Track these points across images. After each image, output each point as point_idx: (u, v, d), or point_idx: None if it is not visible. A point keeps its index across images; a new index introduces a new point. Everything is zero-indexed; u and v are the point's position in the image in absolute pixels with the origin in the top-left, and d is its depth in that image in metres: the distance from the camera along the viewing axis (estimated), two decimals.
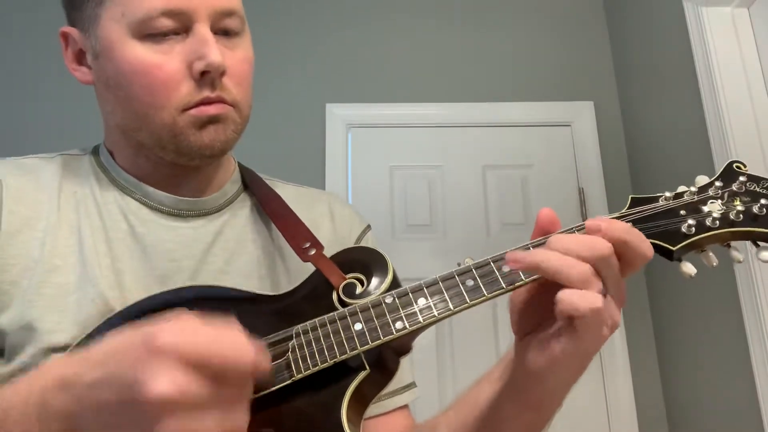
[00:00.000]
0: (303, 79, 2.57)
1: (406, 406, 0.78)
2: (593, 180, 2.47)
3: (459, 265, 0.59)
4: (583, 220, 0.57)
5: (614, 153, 2.51)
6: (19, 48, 2.55)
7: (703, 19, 1.87)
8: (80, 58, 0.71)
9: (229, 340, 0.43)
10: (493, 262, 0.56)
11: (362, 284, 0.61)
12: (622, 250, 0.52)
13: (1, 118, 2.44)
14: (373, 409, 0.74)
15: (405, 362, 0.77)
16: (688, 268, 0.56)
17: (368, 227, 0.84)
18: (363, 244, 0.81)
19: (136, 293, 0.65)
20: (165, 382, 0.40)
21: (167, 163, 0.70)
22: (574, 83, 2.59)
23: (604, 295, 0.51)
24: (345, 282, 0.61)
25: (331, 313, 0.57)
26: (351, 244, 0.80)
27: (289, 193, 0.81)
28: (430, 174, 2.50)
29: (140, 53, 0.64)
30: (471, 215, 2.44)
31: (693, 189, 0.59)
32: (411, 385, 0.79)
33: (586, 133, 2.53)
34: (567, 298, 0.50)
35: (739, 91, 1.80)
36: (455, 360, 2.27)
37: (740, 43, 1.84)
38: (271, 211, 0.76)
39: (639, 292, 2.35)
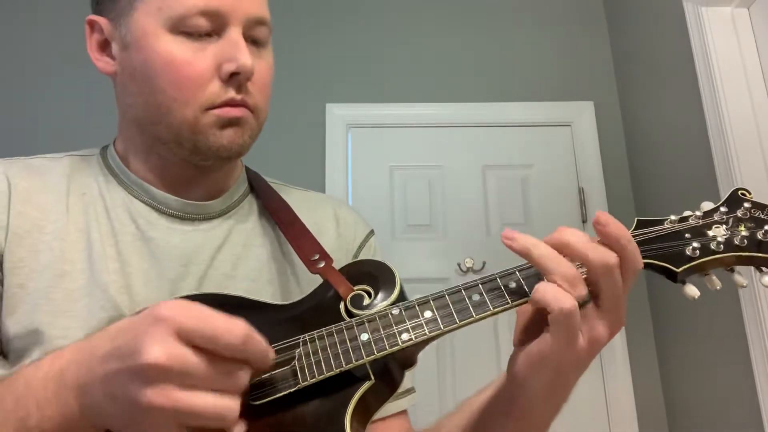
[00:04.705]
0: (303, 79, 2.57)
1: (404, 411, 0.78)
2: (593, 180, 2.47)
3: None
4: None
5: (614, 153, 2.51)
6: (24, 47, 2.55)
7: (703, 19, 1.87)
8: (104, 47, 0.71)
9: (224, 319, 0.45)
10: (500, 278, 0.57)
11: (369, 296, 0.61)
12: (621, 257, 0.53)
13: (6, 117, 2.44)
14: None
15: None
16: (692, 290, 0.57)
17: (372, 232, 0.85)
18: (366, 249, 0.82)
19: (146, 297, 0.66)
20: (158, 348, 0.43)
21: (178, 162, 0.70)
22: (574, 83, 2.59)
23: (583, 305, 0.52)
24: (353, 293, 0.62)
25: (339, 323, 0.58)
26: (355, 249, 0.81)
27: (294, 197, 0.81)
28: (430, 174, 2.50)
29: (173, 48, 0.64)
30: (471, 215, 2.44)
31: (698, 213, 0.60)
32: (410, 390, 0.79)
33: (586, 133, 2.53)
34: (542, 288, 0.52)
35: (739, 91, 1.80)
36: (455, 364, 2.26)
37: (740, 43, 1.84)
38: (279, 218, 0.76)
39: (639, 292, 2.35)
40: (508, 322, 2.26)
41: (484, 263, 2.31)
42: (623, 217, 0.61)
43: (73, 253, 0.66)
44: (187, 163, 0.70)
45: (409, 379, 0.79)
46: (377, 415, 0.74)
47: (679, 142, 2.07)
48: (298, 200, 0.81)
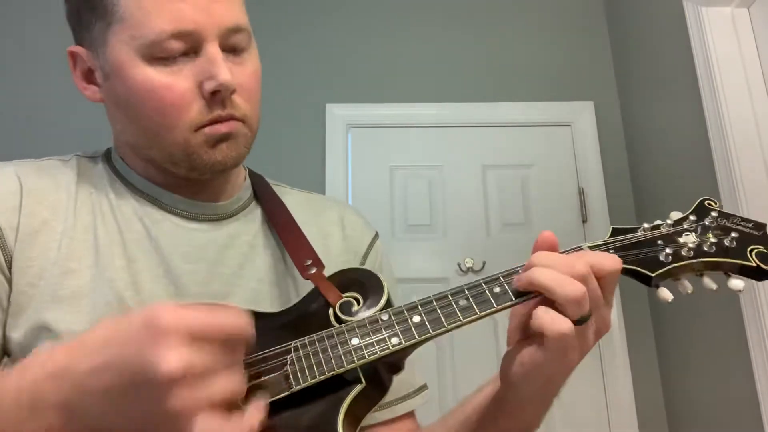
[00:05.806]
0: (303, 79, 2.57)
1: (412, 412, 0.79)
2: (593, 180, 2.47)
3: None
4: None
5: (614, 153, 2.52)
6: (25, 47, 2.55)
7: (703, 19, 1.87)
8: (89, 76, 0.71)
9: (222, 312, 0.46)
10: (485, 283, 0.60)
11: (358, 303, 0.62)
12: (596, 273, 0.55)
13: (8, 118, 2.44)
14: (384, 414, 0.75)
15: (415, 364, 0.78)
16: (665, 293, 0.60)
17: (377, 235, 0.85)
18: (373, 252, 0.83)
19: (152, 293, 0.66)
20: (174, 359, 0.42)
21: (178, 175, 0.71)
22: (574, 83, 2.59)
23: (585, 320, 0.55)
24: (342, 300, 0.63)
25: (330, 329, 0.59)
26: (362, 252, 0.81)
27: (298, 199, 0.82)
28: (430, 174, 2.50)
29: (151, 75, 0.64)
30: (471, 215, 2.44)
31: (669, 222, 0.64)
32: (422, 388, 0.80)
33: (586, 133, 2.54)
34: (541, 315, 0.54)
35: (739, 91, 1.80)
36: (455, 361, 2.27)
37: (740, 43, 1.84)
38: (278, 222, 0.76)
39: (639, 292, 2.35)
40: (507, 321, 2.26)
41: (484, 263, 2.31)
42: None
43: (80, 251, 0.66)
44: (187, 177, 0.71)
45: (420, 376, 0.80)
46: (390, 414, 0.75)
47: (679, 142, 2.08)
48: (301, 203, 0.81)
